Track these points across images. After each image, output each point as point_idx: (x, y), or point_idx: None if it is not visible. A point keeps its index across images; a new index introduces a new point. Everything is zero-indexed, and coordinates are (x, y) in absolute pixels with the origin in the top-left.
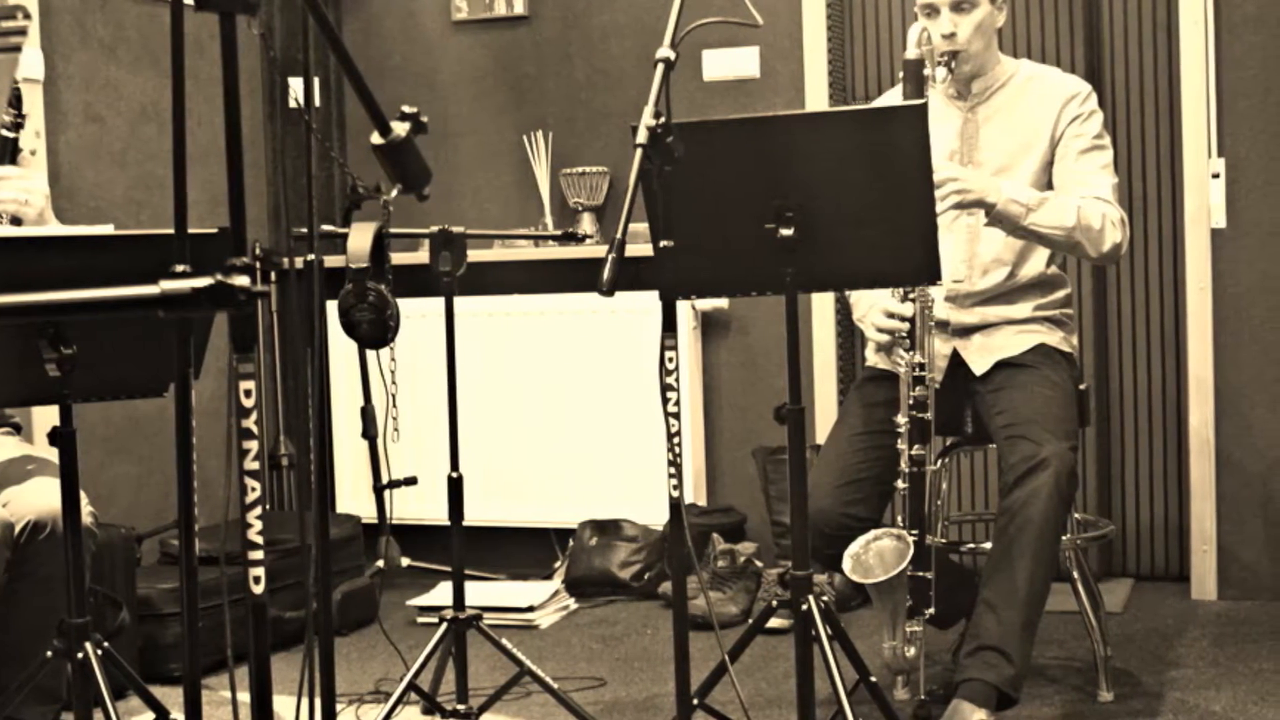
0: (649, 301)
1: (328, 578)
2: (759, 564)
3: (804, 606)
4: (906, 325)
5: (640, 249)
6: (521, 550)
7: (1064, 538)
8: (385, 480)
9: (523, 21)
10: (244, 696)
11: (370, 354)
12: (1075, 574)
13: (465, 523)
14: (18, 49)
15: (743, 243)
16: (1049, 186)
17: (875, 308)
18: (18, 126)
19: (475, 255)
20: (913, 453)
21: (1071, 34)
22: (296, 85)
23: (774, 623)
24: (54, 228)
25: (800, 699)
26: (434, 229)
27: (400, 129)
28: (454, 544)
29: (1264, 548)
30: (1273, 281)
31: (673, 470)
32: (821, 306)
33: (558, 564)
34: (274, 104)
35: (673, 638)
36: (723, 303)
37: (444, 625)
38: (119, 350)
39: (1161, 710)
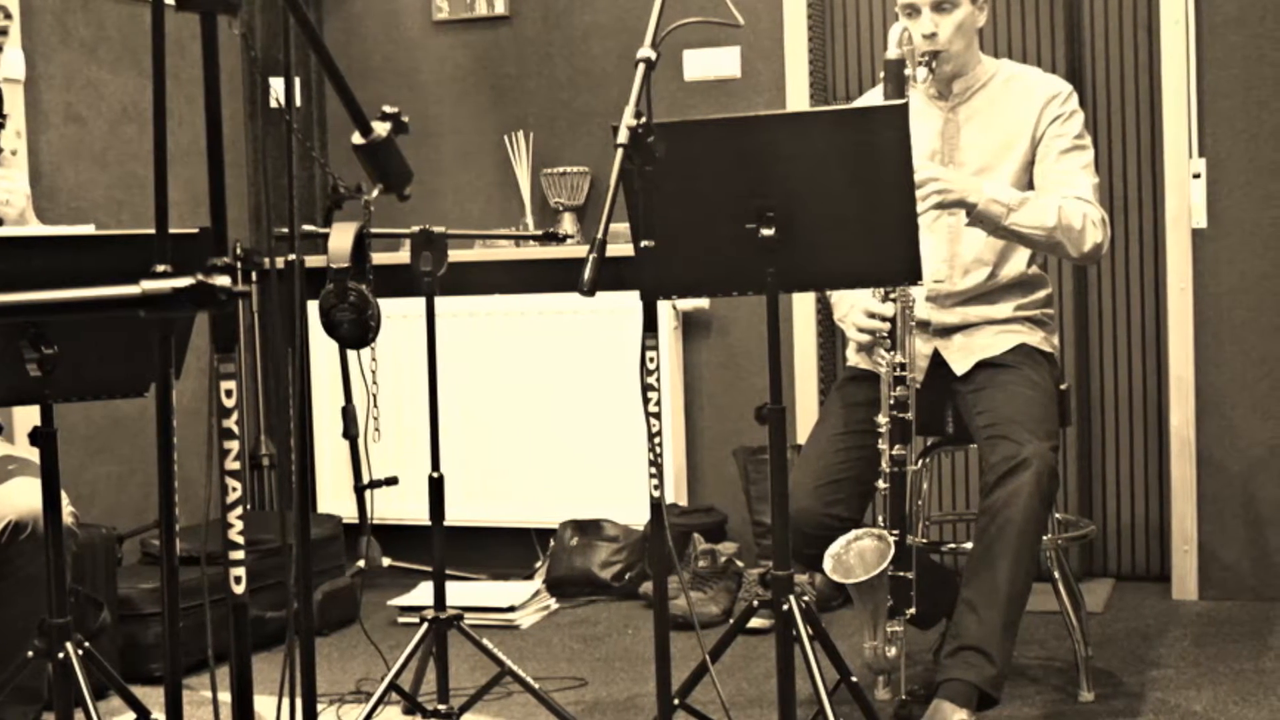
0: (630, 301)
1: (309, 578)
2: (740, 564)
3: (785, 606)
4: (887, 325)
5: (621, 249)
6: (502, 550)
7: (1045, 538)
8: (366, 480)
9: (504, 21)
10: (225, 696)
11: (351, 354)
12: (1056, 574)
13: (446, 523)
14: None
15: (724, 243)
16: (1030, 186)
17: (856, 308)
18: None
19: (456, 255)
20: (894, 453)
21: (1052, 34)
22: (277, 85)
23: (755, 623)
24: (35, 228)
25: (781, 699)
26: (415, 229)
27: (381, 129)
28: (435, 544)
29: (1245, 548)
30: (1253, 281)
31: (653, 470)
32: (802, 306)
33: (539, 564)
34: (255, 104)
35: (654, 638)
36: (704, 303)
37: (425, 625)
38: (100, 350)
39: (1142, 710)
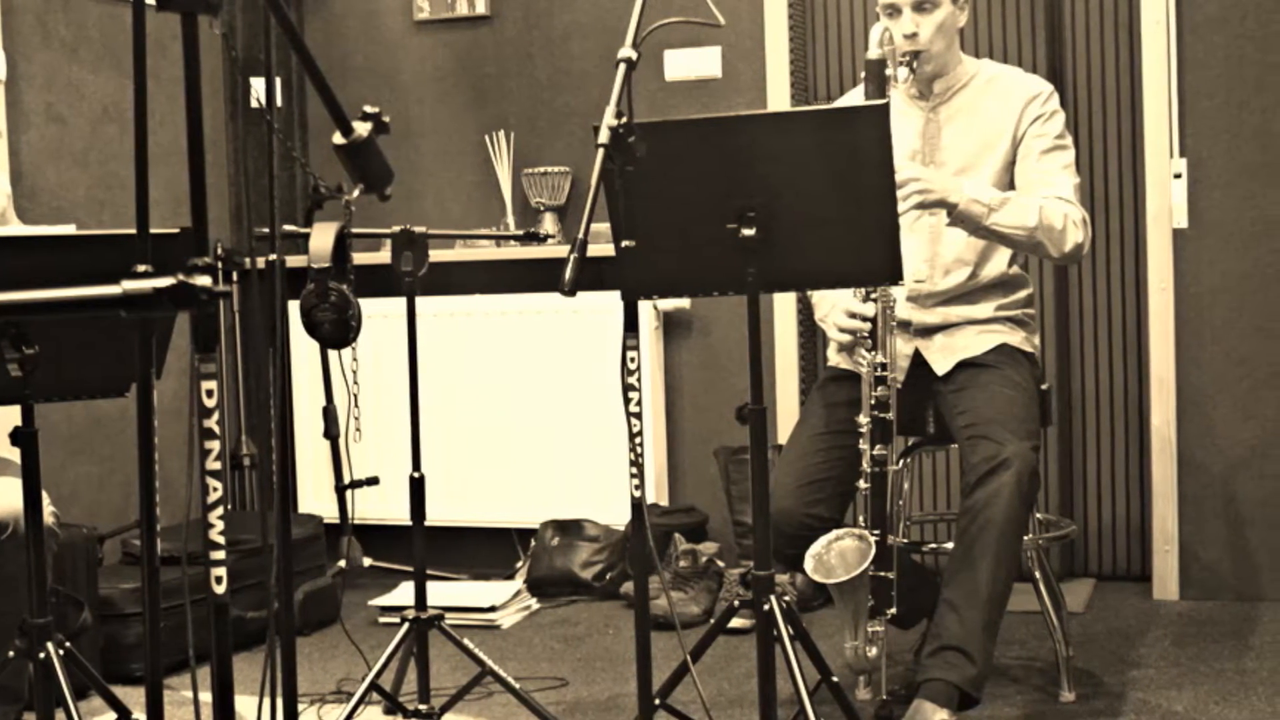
0: (611, 301)
1: (289, 578)
2: (721, 564)
3: (766, 606)
4: (868, 325)
5: (602, 249)
6: (483, 550)
7: (1026, 538)
8: (347, 480)
9: (484, 21)
10: (205, 696)
11: (332, 354)
12: (1037, 574)
13: (427, 523)
14: None
15: (705, 243)
16: (1011, 187)
17: (837, 308)
18: None
19: (437, 255)
20: (874, 453)
21: (1033, 34)
22: (258, 85)
23: (736, 623)
24: (15, 228)
25: (762, 699)
26: (396, 229)
27: (362, 129)
28: (415, 544)
29: (1225, 548)
30: (1234, 281)
31: (634, 470)
32: (783, 306)
33: (519, 564)
34: (236, 104)
35: (634, 638)
36: (684, 303)
37: (406, 625)
38: (81, 350)
39: (1123, 710)
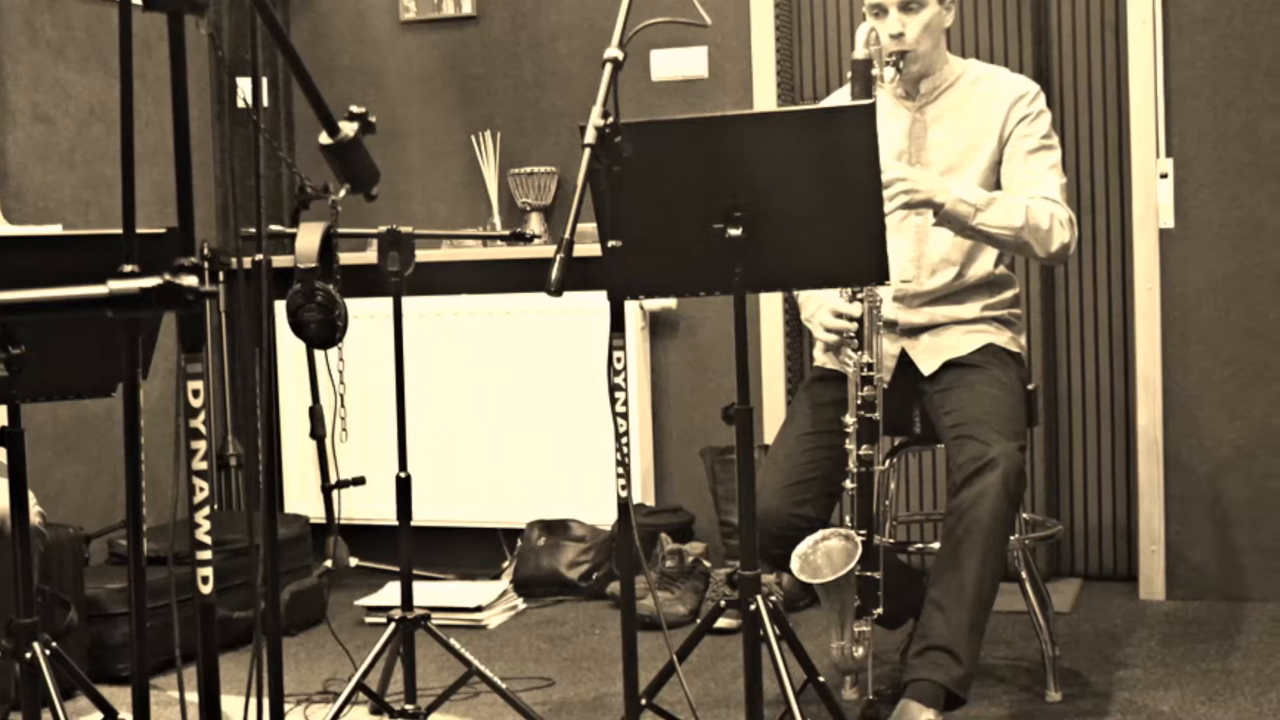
0: (597, 301)
1: (276, 578)
2: (707, 564)
3: (752, 606)
4: (854, 325)
5: (588, 249)
6: (469, 550)
7: (1012, 538)
8: (333, 480)
9: (471, 21)
10: (192, 696)
11: (318, 354)
12: (1023, 574)
13: (413, 523)
14: None
15: (691, 243)
16: (997, 186)
17: (823, 308)
18: None
19: (423, 255)
20: (861, 453)
21: (1020, 34)
22: (245, 85)
23: (722, 623)
24: (2, 228)
25: (748, 699)
26: (382, 229)
27: (348, 129)
28: (402, 544)
29: (1212, 548)
30: (1220, 281)
31: (621, 470)
32: (770, 306)
33: (506, 564)
34: (222, 104)
35: (621, 638)
36: (671, 303)
37: (392, 625)
38: (68, 350)
39: (1110, 710)
